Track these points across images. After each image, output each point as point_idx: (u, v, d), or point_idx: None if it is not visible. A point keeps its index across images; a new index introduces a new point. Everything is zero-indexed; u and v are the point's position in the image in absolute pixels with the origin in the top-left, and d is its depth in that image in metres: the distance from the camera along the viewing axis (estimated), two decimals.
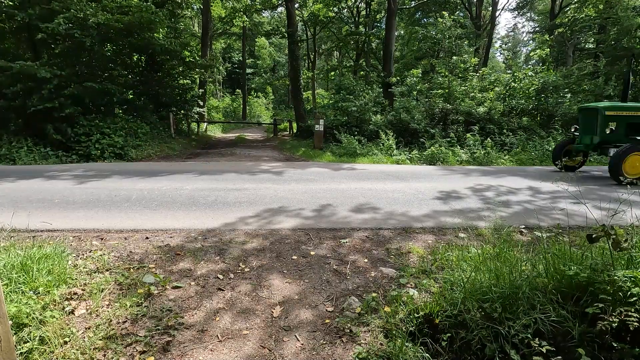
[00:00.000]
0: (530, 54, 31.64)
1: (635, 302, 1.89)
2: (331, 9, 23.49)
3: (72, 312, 2.41)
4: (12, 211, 4.31)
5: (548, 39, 20.43)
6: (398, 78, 15.91)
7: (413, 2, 25.17)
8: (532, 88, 13.14)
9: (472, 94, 13.49)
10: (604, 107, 6.91)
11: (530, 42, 33.63)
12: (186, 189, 5.95)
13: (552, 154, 8.45)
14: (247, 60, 38.85)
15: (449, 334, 2.15)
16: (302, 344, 2.20)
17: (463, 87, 13.73)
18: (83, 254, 3.23)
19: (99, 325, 2.29)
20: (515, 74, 13.94)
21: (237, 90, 38.92)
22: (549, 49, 19.92)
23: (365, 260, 3.27)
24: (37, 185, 6.17)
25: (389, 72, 15.78)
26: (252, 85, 42.42)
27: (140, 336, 2.22)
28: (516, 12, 32.33)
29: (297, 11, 22.30)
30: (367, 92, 14.59)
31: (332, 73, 26.98)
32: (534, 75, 13.59)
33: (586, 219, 3.05)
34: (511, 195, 5.62)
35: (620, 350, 1.87)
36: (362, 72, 24.15)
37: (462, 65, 14.54)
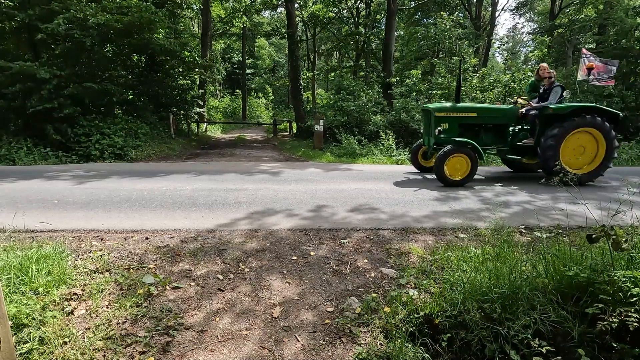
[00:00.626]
0: (529, 55, 31.68)
1: (635, 302, 1.89)
2: (331, 9, 23.50)
3: (72, 312, 2.41)
4: (11, 211, 4.31)
5: (547, 39, 20.43)
6: (398, 78, 15.91)
7: (413, 3, 25.19)
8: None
9: (473, 94, 13.49)
10: (434, 108, 6.80)
11: (530, 42, 33.67)
12: (186, 189, 5.95)
13: (410, 155, 8.37)
14: (247, 61, 38.86)
15: (448, 335, 2.15)
16: (302, 345, 2.20)
17: (463, 88, 13.73)
18: (83, 255, 3.22)
19: (99, 325, 2.29)
20: (514, 74, 13.93)
21: (237, 90, 38.94)
22: (546, 49, 19.92)
23: (365, 260, 3.27)
24: (37, 186, 6.17)
25: (389, 73, 15.80)
26: (252, 86, 42.42)
27: (140, 337, 2.22)
28: (516, 12, 32.34)
29: (297, 11, 22.32)
30: (367, 93, 14.59)
31: (332, 73, 26.99)
32: (533, 75, 13.57)
33: (586, 219, 3.05)
34: (511, 196, 5.63)
35: (620, 350, 1.87)
36: (362, 73, 24.18)
37: (463, 65, 14.52)
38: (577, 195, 3.93)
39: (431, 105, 7.01)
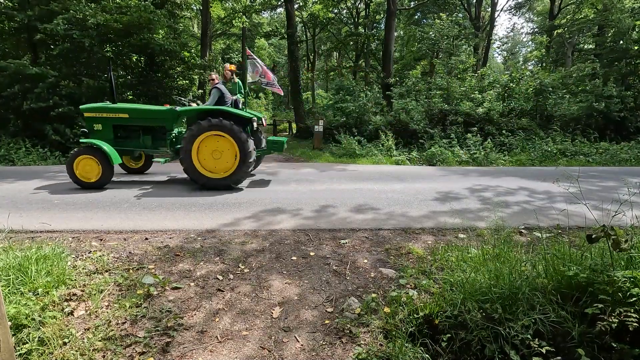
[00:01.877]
0: (528, 56, 31.70)
1: (634, 302, 1.89)
2: (330, 9, 23.51)
3: (72, 313, 2.40)
4: (11, 212, 4.30)
5: (545, 40, 20.43)
6: (397, 79, 15.92)
7: (412, 3, 25.21)
8: (531, 89, 13.17)
9: (472, 95, 13.51)
10: (84, 108, 6.46)
11: (529, 42, 33.68)
12: (186, 189, 5.94)
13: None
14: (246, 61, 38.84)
15: (448, 335, 2.15)
16: (302, 345, 2.20)
17: (462, 88, 13.76)
18: (82, 255, 3.22)
19: (98, 326, 2.28)
20: (513, 74, 13.96)
21: None
22: (544, 50, 19.93)
23: (365, 260, 3.27)
24: (36, 186, 6.15)
25: (389, 73, 15.80)
26: (252, 86, 42.39)
27: (139, 337, 2.21)
28: (514, 11, 32.32)
29: (296, 12, 22.32)
30: (367, 93, 14.60)
31: (332, 73, 26.99)
32: (531, 75, 13.61)
33: (585, 219, 3.05)
34: (510, 196, 5.63)
35: (620, 350, 1.87)
36: (361, 73, 24.20)
37: (460, 66, 14.54)
38: (578, 196, 3.94)
39: (82, 106, 6.59)
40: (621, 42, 14.23)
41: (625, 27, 14.09)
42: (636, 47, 13.34)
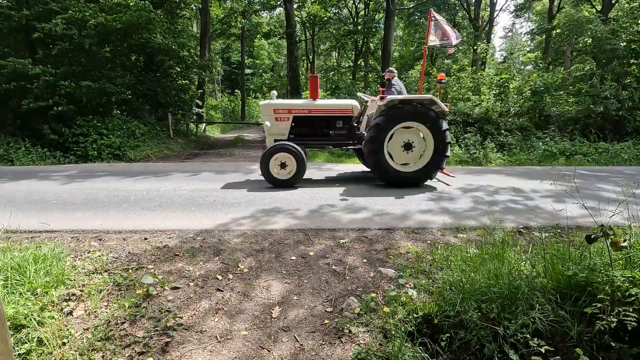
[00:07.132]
0: (527, 55, 31.66)
1: (633, 302, 1.90)
2: (329, 9, 23.52)
3: (71, 313, 2.40)
4: (9, 212, 4.29)
5: (544, 39, 20.41)
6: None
7: (411, 3, 25.23)
8: (528, 89, 13.19)
9: (469, 95, 13.53)
10: None
11: (528, 42, 33.67)
12: (185, 189, 5.94)
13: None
14: (245, 61, 38.83)
15: (448, 334, 2.15)
16: (301, 345, 2.20)
17: (460, 88, 13.77)
18: (81, 255, 3.21)
19: (98, 326, 2.28)
20: (504, 75, 13.95)
21: (236, 90, 38.91)
22: (539, 52, 19.95)
23: (364, 260, 3.27)
24: (35, 186, 6.15)
25: None
26: (251, 86, 42.36)
27: (138, 337, 2.21)
28: (519, 14, 32.34)
29: (295, 12, 22.32)
30: (365, 92, 14.60)
31: (331, 73, 27.01)
32: (529, 76, 13.63)
33: (586, 218, 3.06)
34: (510, 195, 5.63)
35: (619, 350, 1.88)
36: (361, 73, 24.21)
37: (456, 66, 14.54)
38: (577, 195, 3.94)
39: None
40: (611, 43, 14.21)
41: (605, 32, 14.06)
42: (623, 44, 13.37)
